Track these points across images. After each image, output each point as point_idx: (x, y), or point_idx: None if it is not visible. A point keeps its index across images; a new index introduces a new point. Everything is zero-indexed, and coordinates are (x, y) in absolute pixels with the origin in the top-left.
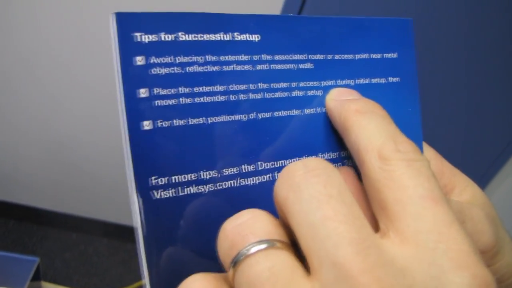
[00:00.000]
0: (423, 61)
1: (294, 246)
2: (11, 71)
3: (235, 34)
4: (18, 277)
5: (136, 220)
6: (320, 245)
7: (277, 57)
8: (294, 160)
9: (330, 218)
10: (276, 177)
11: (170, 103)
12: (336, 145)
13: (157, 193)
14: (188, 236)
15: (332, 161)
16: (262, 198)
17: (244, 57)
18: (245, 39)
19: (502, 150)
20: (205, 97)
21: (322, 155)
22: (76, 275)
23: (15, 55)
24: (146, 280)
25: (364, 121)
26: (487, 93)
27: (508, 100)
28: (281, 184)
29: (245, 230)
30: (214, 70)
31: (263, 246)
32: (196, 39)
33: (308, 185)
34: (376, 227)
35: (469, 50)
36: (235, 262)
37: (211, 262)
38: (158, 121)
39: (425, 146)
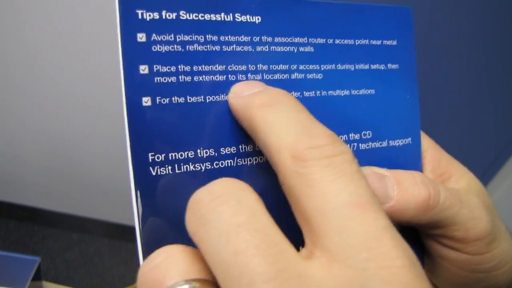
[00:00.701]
0: (422, 50)
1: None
2: (12, 70)
3: (236, 14)
4: (19, 277)
5: (134, 199)
6: (234, 285)
7: (277, 39)
8: None
9: (241, 252)
10: None
11: (170, 81)
12: (339, 127)
13: (155, 170)
14: (182, 213)
15: None
16: (259, 178)
17: (245, 38)
18: (246, 20)
19: (502, 149)
20: (204, 76)
21: None
22: (77, 275)
23: (16, 54)
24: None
25: (271, 116)
26: (488, 91)
27: (509, 98)
28: (188, 218)
29: (160, 273)
30: (214, 49)
31: None
32: (197, 18)
33: (214, 215)
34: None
35: (470, 48)
36: None
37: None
38: (158, 97)
39: (422, 134)
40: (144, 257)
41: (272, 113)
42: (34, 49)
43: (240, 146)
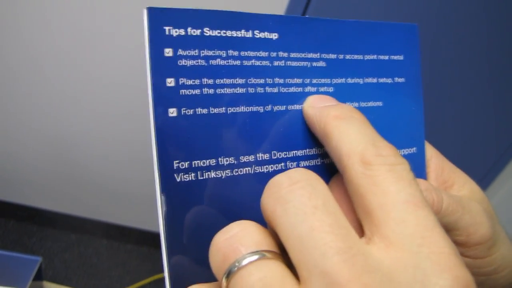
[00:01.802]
0: (427, 63)
1: (284, 254)
2: (14, 70)
3: (255, 31)
4: (20, 277)
5: (159, 203)
6: (308, 256)
7: (292, 55)
8: (305, 151)
9: (316, 229)
10: (289, 167)
11: (194, 93)
12: None
13: (179, 176)
14: (204, 216)
15: None
16: None
17: (263, 53)
18: (264, 36)
19: (503, 152)
20: (226, 89)
21: None
22: (76, 276)
23: (18, 54)
24: (164, 261)
25: (344, 127)
26: (488, 96)
27: (509, 102)
28: (267, 198)
29: (236, 242)
30: (235, 64)
31: (254, 257)
32: (219, 34)
33: (294, 197)
34: (361, 231)
35: (471, 52)
36: (228, 274)
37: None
38: (183, 108)
39: (427, 144)
40: (168, 250)
41: (345, 124)
42: (35, 49)
43: (258, 155)
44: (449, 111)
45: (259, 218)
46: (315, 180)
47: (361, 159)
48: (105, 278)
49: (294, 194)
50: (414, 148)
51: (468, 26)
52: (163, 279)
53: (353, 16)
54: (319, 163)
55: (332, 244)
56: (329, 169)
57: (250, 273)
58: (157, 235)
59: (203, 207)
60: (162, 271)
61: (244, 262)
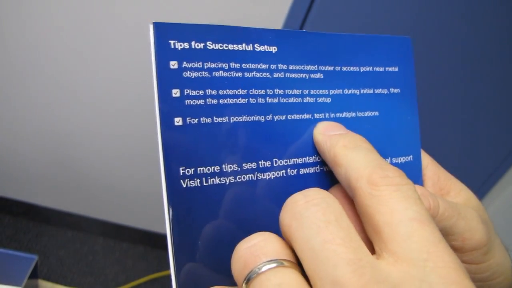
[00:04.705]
0: (423, 71)
1: (300, 265)
2: (12, 69)
3: (256, 45)
4: (15, 275)
5: (166, 207)
6: (320, 266)
7: (291, 67)
8: (305, 159)
9: (329, 241)
10: (289, 174)
11: (199, 103)
12: None
13: (185, 182)
14: (210, 218)
15: None
16: (276, 191)
17: (263, 66)
18: (264, 50)
19: (500, 162)
20: (228, 99)
21: None
22: (71, 273)
23: (17, 54)
24: (171, 263)
25: (352, 155)
26: (486, 103)
27: (507, 110)
28: (285, 213)
29: (257, 251)
30: (237, 75)
31: (273, 265)
32: (222, 48)
33: (309, 213)
34: (370, 247)
35: (465, 61)
36: (248, 280)
37: (231, 242)
38: (188, 118)
39: (423, 152)
40: (176, 255)
41: (353, 153)
42: (34, 46)
43: (260, 162)
44: (446, 119)
45: (260, 221)
46: (329, 198)
47: (369, 181)
48: (100, 276)
49: (309, 210)
50: (411, 156)
51: (463, 33)
52: (158, 279)
53: (348, 29)
54: (318, 171)
55: (343, 255)
56: (327, 176)
57: (268, 279)
58: (153, 234)
59: (207, 215)
60: (159, 271)
61: (264, 268)
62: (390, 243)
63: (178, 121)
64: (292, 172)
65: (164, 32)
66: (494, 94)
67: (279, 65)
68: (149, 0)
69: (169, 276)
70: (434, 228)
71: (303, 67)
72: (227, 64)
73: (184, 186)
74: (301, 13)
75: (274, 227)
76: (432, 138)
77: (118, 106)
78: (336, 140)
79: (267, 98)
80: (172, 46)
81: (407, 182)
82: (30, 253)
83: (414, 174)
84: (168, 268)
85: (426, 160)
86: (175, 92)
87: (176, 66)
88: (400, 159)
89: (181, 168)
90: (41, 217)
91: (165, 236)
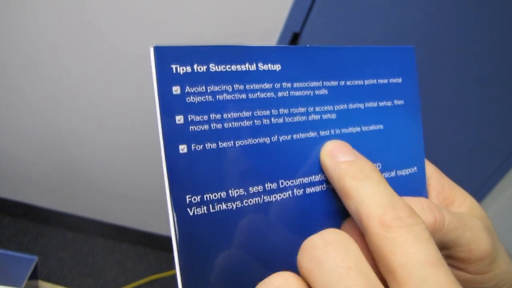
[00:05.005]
0: (421, 74)
1: None
2: (12, 70)
3: (259, 64)
4: (16, 275)
5: (174, 236)
6: None
7: (296, 85)
8: (311, 178)
9: None
10: (296, 194)
11: (203, 129)
12: None
13: (192, 210)
14: (219, 247)
15: None
16: (283, 213)
17: (267, 85)
18: (267, 68)
19: (503, 161)
20: (233, 123)
21: None
22: (70, 275)
23: (17, 54)
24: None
25: (362, 189)
26: (486, 104)
27: (507, 115)
28: (304, 257)
29: None
30: (241, 97)
31: None
32: (225, 69)
33: (329, 258)
34: (385, 283)
35: (465, 62)
36: None
37: (243, 271)
38: (193, 144)
39: (427, 162)
40: (180, 258)
41: (363, 186)
42: (33, 47)
43: (266, 185)
44: (447, 120)
45: (269, 245)
46: (347, 241)
47: (381, 222)
48: (100, 278)
49: (328, 255)
50: (415, 168)
51: (462, 33)
52: (158, 280)
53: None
54: (324, 189)
55: None
56: (334, 194)
57: None
58: (153, 236)
59: (216, 243)
60: (159, 272)
61: None
62: (405, 286)
63: (182, 148)
64: (299, 192)
65: (165, 56)
66: (494, 95)
67: (283, 83)
68: (149, 0)
69: (169, 276)
70: (446, 271)
71: (308, 84)
72: (231, 86)
73: (191, 214)
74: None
75: (285, 250)
76: (433, 140)
77: (120, 108)
78: (345, 170)
79: (272, 119)
80: (174, 71)
81: (418, 222)
82: (30, 254)
83: (419, 185)
84: (168, 269)
85: (430, 170)
86: (179, 119)
87: (179, 92)
88: (405, 171)
89: (187, 196)
90: (41, 218)
91: (165, 237)
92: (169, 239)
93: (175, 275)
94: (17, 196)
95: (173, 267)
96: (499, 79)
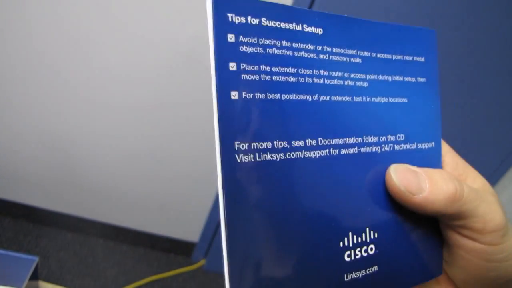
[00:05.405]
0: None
1: None
2: (12, 70)
3: (304, 25)
4: (16, 276)
5: (220, 183)
6: None
7: (334, 50)
8: (345, 140)
9: None
10: (332, 153)
11: (254, 78)
12: (379, 130)
13: (239, 157)
14: (262, 198)
15: (375, 144)
16: (320, 170)
17: (310, 46)
18: (311, 31)
19: (503, 159)
20: (280, 77)
21: (367, 138)
22: (70, 275)
23: (16, 55)
24: (223, 238)
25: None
26: (487, 103)
27: (507, 114)
28: None
29: None
30: (288, 54)
31: None
32: (275, 25)
33: None
34: None
35: (465, 62)
36: None
37: (281, 222)
38: (243, 92)
39: (442, 141)
40: (228, 231)
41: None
42: (33, 47)
43: (307, 141)
44: (447, 119)
45: (309, 197)
46: None
47: None
48: (100, 278)
49: None
50: (433, 143)
51: (461, 32)
52: (158, 281)
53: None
54: (356, 152)
55: None
56: (366, 157)
57: None
58: (153, 236)
59: (261, 193)
60: (159, 272)
61: None
62: None
63: (234, 95)
64: (334, 151)
65: (222, 4)
66: (495, 94)
67: (324, 47)
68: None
69: (169, 277)
70: None
71: (344, 51)
72: (279, 42)
73: (239, 161)
74: None
75: (317, 204)
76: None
77: (119, 108)
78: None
79: (314, 79)
80: (230, 20)
81: None
82: (30, 254)
83: (435, 160)
84: (168, 269)
85: (445, 148)
86: (232, 66)
87: (233, 40)
88: (424, 145)
89: (236, 142)
90: (41, 219)
91: (165, 238)
92: (169, 239)
93: (179, 273)
94: (18, 197)
95: (173, 267)
96: (499, 79)
